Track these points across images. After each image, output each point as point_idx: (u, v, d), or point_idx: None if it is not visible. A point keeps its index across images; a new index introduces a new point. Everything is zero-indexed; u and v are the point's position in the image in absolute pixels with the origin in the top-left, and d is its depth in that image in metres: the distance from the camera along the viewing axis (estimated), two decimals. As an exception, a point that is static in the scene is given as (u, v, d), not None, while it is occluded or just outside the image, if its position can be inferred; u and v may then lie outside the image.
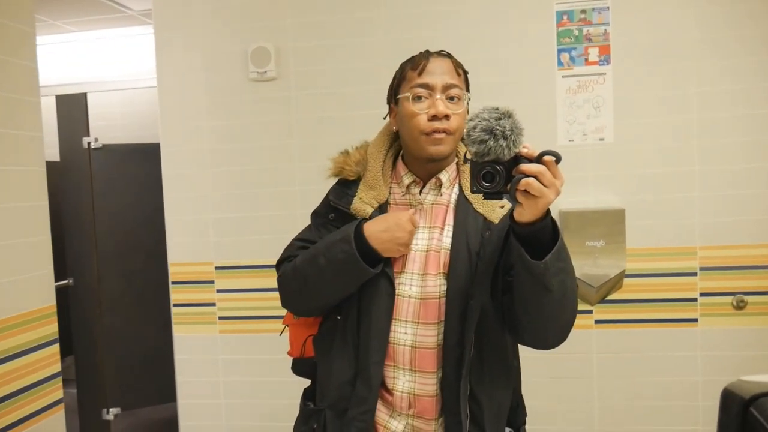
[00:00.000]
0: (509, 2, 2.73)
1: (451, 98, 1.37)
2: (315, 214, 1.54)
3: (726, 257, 2.63)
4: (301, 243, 1.50)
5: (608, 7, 2.68)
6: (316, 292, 1.42)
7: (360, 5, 2.84)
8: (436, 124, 1.35)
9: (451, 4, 2.77)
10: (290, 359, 1.59)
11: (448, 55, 1.42)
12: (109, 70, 4.55)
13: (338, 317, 1.43)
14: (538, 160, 1.13)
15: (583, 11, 2.71)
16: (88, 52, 4.66)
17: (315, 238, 1.48)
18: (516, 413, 1.46)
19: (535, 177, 1.11)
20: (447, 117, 1.35)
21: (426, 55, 1.40)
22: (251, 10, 2.92)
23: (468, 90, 1.42)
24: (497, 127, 1.12)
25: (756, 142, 2.60)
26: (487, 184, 1.15)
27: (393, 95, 1.45)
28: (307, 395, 1.55)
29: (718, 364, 2.65)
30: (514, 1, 2.73)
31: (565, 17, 2.73)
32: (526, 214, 1.14)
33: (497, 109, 1.15)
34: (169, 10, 2.99)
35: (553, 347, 1.32)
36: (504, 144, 1.12)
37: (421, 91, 1.37)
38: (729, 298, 2.64)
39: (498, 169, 1.14)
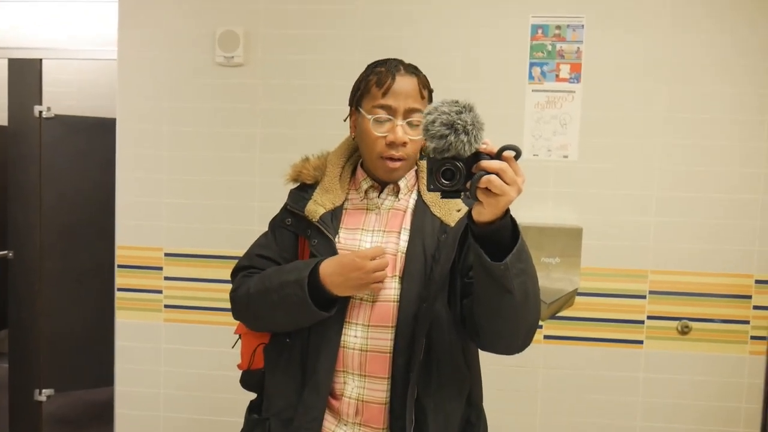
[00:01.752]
0: (487, 9, 2.71)
1: (411, 124, 1.34)
2: (272, 221, 1.52)
3: (675, 282, 2.69)
4: (258, 253, 1.47)
5: (583, 26, 2.69)
6: (269, 323, 1.42)
7: (336, -2, 2.77)
8: (392, 151, 1.34)
9: (428, 3, 2.73)
10: (236, 353, 1.55)
11: (416, 73, 1.39)
12: (68, 36, 4.35)
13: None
14: (499, 156, 1.08)
15: (558, 27, 2.71)
16: (47, 15, 4.44)
17: (273, 246, 1.46)
18: (474, 428, 1.41)
19: (497, 174, 1.06)
20: (404, 144, 1.33)
21: (393, 71, 1.36)
22: (223, -9, 2.82)
23: None
24: (458, 122, 1.07)
25: (714, 172, 2.65)
26: (446, 182, 1.10)
27: (355, 102, 1.42)
28: (253, 408, 1.51)
29: (659, 386, 2.71)
30: (492, 9, 2.71)
31: (539, 31, 2.72)
32: (485, 213, 1.09)
33: (457, 102, 1.10)
34: (136, -18, 2.86)
35: (518, 352, 1.28)
36: (465, 139, 1.07)
37: (381, 115, 1.34)
38: (674, 323, 2.70)
39: (458, 166, 1.09)
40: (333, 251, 1.35)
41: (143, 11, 2.86)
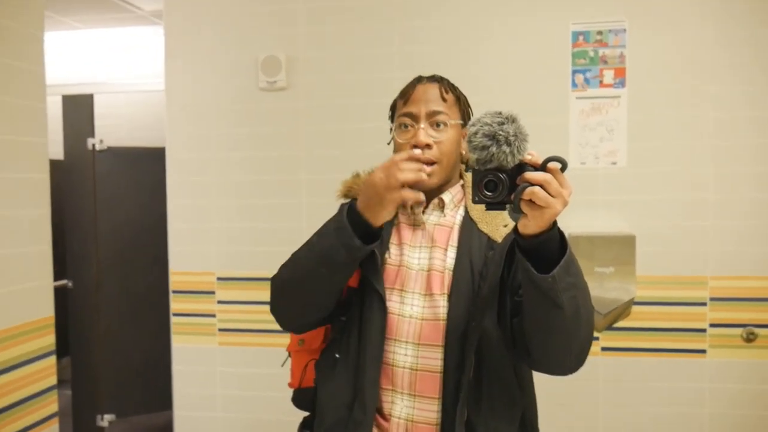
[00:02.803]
0: (525, 19, 2.69)
1: (437, 124, 1.33)
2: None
3: (737, 288, 2.59)
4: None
5: (625, 30, 2.64)
6: (309, 288, 1.32)
7: (374, 17, 2.80)
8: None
9: (465, 19, 2.73)
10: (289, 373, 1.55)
11: (439, 80, 1.39)
12: (117, 70, 4.51)
13: (338, 336, 1.40)
14: (543, 167, 1.06)
15: (600, 32, 2.67)
16: (96, 50, 4.62)
17: None
18: None
19: (541, 186, 1.04)
20: (429, 146, 1.31)
21: (414, 82, 1.38)
22: (263, 18, 2.88)
23: (464, 112, 1.40)
24: (500, 133, 1.07)
25: (772, 172, 2.55)
26: (489, 194, 1.09)
27: (390, 120, 1.45)
28: (305, 424, 1.50)
29: (726, 397, 2.60)
30: (530, 19, 2.69)
31: (581, 38, 2.69)
32: (531, 225, 1.06)
33: (500, 113, 1.09)
34: (180, 14, 2.95)
35: (571, 372, 1.24)
36: (507, 150, 1.06)
37: (406, 120, 1.35)
38: (738, 330, 2.59)
39: (501, 177, 1.08)
40: (377, 267, 1.34)
41: (188, 42, 2.95)
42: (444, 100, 1.35)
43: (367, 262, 1.35)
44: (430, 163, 1.32)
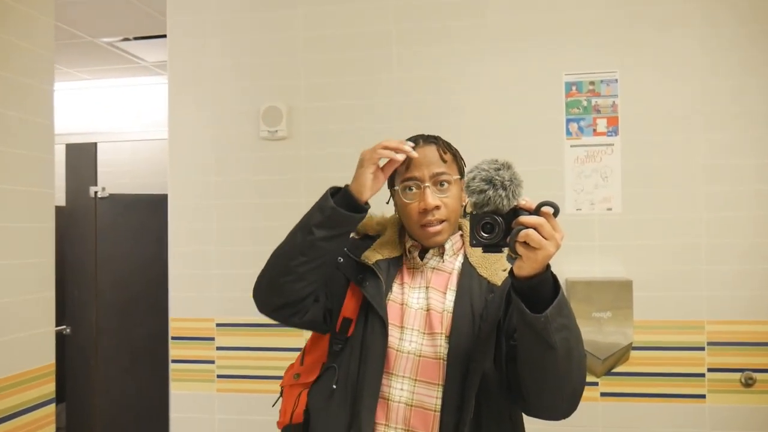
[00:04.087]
0: (520, 70, 2.78)
1: (441, 183, 1.39)
2: None
3: (734, 332, 2.60)
4: None
5: (617, 80, 2.73)
6: (286, 244, 1.39)
7: (373, 67, 2.88)
8: (429, 218, 1.38)
9: (461, 69, 2.81)
10: None
11: (435, 141, 1.43)
12: (120, 119, 4.60)
13: (335, 365, 1.42)
14: (537, 211, 1.12)
15: (592, 83, 2.76)
16: (100, 100, 4.72)
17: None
18: None
19: (535, 228, 1.10)
20: (437, 207, 1.37)
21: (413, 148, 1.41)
22: (265, 69, 2.96)
23: (460, 166, 1.45)
24: (496, 177, 1.15)
25: (763, 216, 2.60)
26: (486, 235, 1.16)
27: (390, 185, 1.49)
28: None
29: (726, 442, 2.59)
30: (525, 70, 2.77)
31: (573, 88, 2.77)
32: (525, 267, 1.13)
33: (496, 160, 1.18)
34: (183, 65, 3.04)
35: (564, 417, 1.27)
36: (503, 194, 1.14)
37: (410, 184, 1.40)
38: (737, 375, 2.60)
39: (497, 220, 1.15)
40: (381, 294, 1.39)
41: (190, 92, 3.03)
42: (444, 161, 1.40)
43: (372, 289, 1.40)
44: (440, 221, 1.39)
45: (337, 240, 1.37)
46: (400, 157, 1.37)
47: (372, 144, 1.38)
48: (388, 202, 1.53)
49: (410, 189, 1.40)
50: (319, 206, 1.35)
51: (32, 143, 2.34)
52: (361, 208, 1.36)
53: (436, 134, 1.47)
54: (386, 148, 1.36)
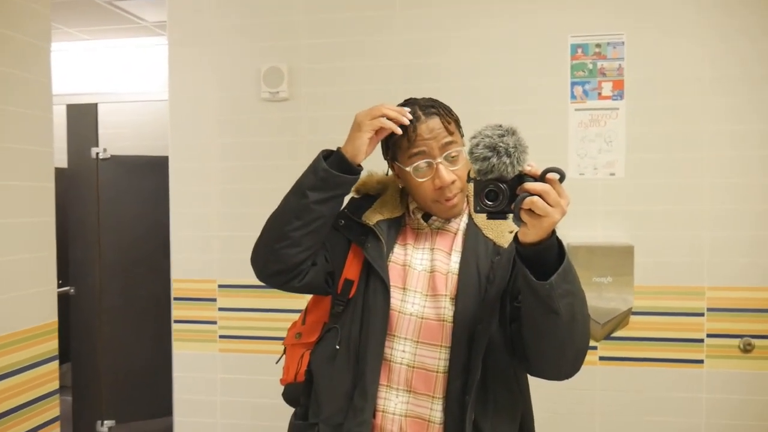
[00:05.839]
0: (525, 31, 2.73)
1: (452, 156, 1.35)
2: None
3: (735, 299, 2.61)
4: None
5: (623, 42, 2.68)
6: (281, 208, 1.39)
7: (375, 28, 2.83)
8: (446, 194, 1.35)
9: (466, 30, 2.77)
10: None
11: (435, 110, 1.37)
12: (121, 80, 4.56)
13: (337, 326, 1.42)
14: (542, 178, 1.10)
15: (598, 45, 2.71)
16: (101, 60, 4.67)
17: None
18: None
19: (540, 196, 1.08)
20: (453, 182, 1.35)
21: (413, 121, 1.35)
22: (266, 30, 2.92)
23: (461, 133, 1.40)
24: (500, 144, 1.12)
25: (768, 184, 2.58)
26: (490, 203, 1.13)
27: (390, 158, 1.44)
28: (298, 416, 1.50)
29: (722, 407, 2.61)
30: (530, 31, 2.72)
31: (579, 50, 2.72)
32: (530, 234, 1.11)
33: (500, 126, 1.14)
34: (183, 26, 2.99)
35: (567, 377, 1.27)
36: (507, 161, 1.11)
37: (420, 162, 1.35)
38: (736, 341, 2.61)
39: (501, 187, 1.12)
40: (383, 256, 1.38)
41: (191, 53, 2.99)
42: (449, 131, 1.36)
43: (373, 250, 1.39)
44: (456, 193, 1.37)
45: (331, 203, 1.35)
46: (401, 128, 1.33)
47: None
48: (387, 174, 1.51)
49: (422, 168, 1.35)
50: (312, 169, 1.34)
51: (29, 101, 2.32)
52: (355, 170, 1.35)
53: (434, 97, 1.43)
54: (386, 117, 1.31)
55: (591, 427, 2.70)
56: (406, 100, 1.44)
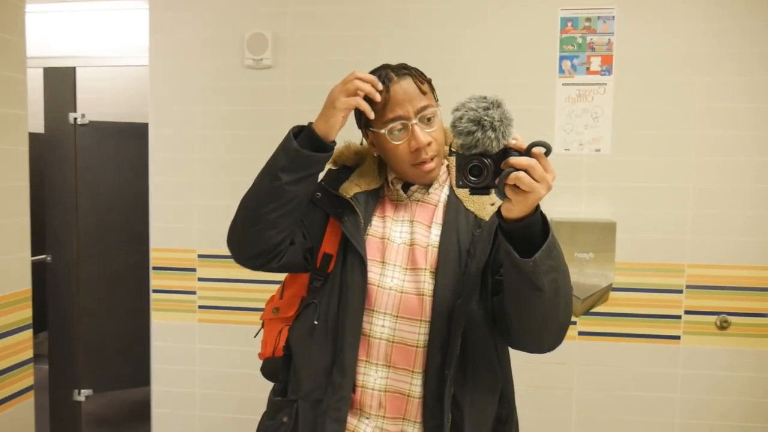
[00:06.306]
0: (514, 3, 2.69)
1: (428, 119, 1.32)
2: None
3: (713, 276, 2.63)
4: None
5: (614, 17, 2.65)
6: (254, 190, 1.34)
7: (362, -3, 2.78)
8: (422, 156, 1.32)
9: (455, 3, 2.72)
10: None
11: (407, 71, 1.35)
12: (101, 44, 4.44)
13: (315, 301, 1.39)
14: (528, 152, 1.06)
15: (588, 19, 2.68)
16: (80, 23, 4.54)
17: None
18: (505, 426, 1.40)
19: (525, 170, 1.04)
20: (429, 144, 1.31)
21: (386, 83, 1.32)
22: (250, -5, 2.84)
23: (435, 97, 1.37)
24: (485, 118, 1.07)
25: (753, 162, 2.59)
26: (474, 179, 1.09)
27: (363, 126, 1.40)
28: (276, 392, 1.48)
29: (698, 382, 2.66)
30: (519, 3, 2.68)
31: (569, 24, 2.69)
32: (515, 210, 1.07)
33: (485, 98, 1.09)
34: (165, -12, 2.91)
35: (549, 350, 1.26)
36: (492, 136, 1.07)
37: (395, 124, 1.31)
38: (713, 318, 2.64)
39: (486, 162, 1.08)
40: (360, 230, 1.35)
41: (173, 18, 2.91)
42: (423, 92, 1.33)
43: (350, 224, 1.36)
44: (433, 157, 1.33)
45: (306, 182, 1.31)
46: (378, 96, 1.29)
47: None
48: (362, 144, 1.47)
49: (397, 130, 1.32)
50: (282, 148, 1.29)
51: (2, 61, 2.24)
52: (328, 147, 1.30)
53: (416, 67, 1.39)
54: (360, 89, 1.26)
55: (568, 401, 2.74)
56: (377, 70, 1.39)
